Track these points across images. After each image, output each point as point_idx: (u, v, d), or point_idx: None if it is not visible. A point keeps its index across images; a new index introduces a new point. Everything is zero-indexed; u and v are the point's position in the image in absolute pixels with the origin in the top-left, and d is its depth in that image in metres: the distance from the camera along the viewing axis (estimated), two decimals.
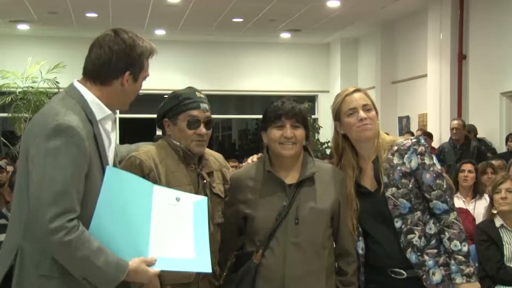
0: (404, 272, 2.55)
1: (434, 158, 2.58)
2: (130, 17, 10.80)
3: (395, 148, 2.59)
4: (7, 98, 11.03)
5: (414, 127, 10.89)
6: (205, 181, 2.58)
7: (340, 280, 2.57)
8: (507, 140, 8.21)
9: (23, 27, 11.79)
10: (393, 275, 2.57)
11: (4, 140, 11.91)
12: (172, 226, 2.22)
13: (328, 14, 10.85)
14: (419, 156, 2.54)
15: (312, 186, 2.58)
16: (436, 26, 9.90)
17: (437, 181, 2.53)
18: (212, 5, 10.21)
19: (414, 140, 2.58)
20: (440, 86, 9.80)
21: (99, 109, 2.16)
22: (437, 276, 2.51)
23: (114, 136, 2.28)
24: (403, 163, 2.56)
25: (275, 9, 10.37)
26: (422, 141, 2.60)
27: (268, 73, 13.50)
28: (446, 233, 2.51)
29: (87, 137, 2.05)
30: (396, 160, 2.57)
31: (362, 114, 2.58)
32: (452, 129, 7.97)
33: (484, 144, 8.69)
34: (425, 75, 10.31)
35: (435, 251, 2.53)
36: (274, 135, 2.56)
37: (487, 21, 9.07)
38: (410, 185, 2.54)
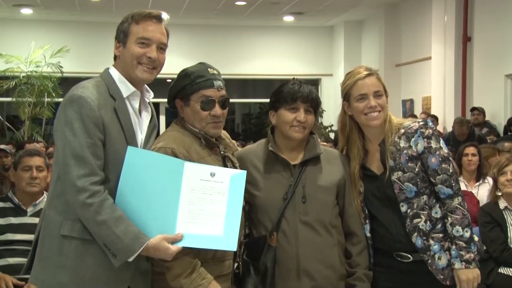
0: (410, 256, 2.54)
1: (442, 141, 2.54)
2: (132, 1, 10.74)
3: (402, 131, 2.55)
4: (11, 83, 11.03)
5: (418, 110, 10.87)
6: (229, 164, 2.50)
7: (347, 262, 2.57)
8: (510, 124, 8.16)
9: (26, 11, 11.77)
10: (399, 258, 2.57)
11: (8, 125, 11.94)
12: (204, 202, 2.26)
13: None
14: (425, 139, 2.50)
15: (317, 165, 2.57)
16: (440, 8, 9.84)
17: (443, 165, 2.49)
18: None
19: (421, 123, 2.55)
20: (444, 69, 9.76)
21: (125, 86, 2.30)
22: (443, 260, 2.50)
23: (147, 117, 2.38)
24: (410, 147, 2.52)
25: None
26: (430, 124, 2.56)
27: (271, 57, 13.47)
28: (449, 218, 2.49)
29: (102, 109, 2.19)
30: (402, 143, 2.53)
31: (372, 102, 2.54)
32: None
33: (489, 127, 8.68)
34: (429, 58, 10.27)
35: (441, 235, 2.52)
36: (288, 117, 2.53)
37: (492, 3, 9.02)
38: (417, 169, 2.51)
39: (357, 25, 13.27)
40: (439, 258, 2.50)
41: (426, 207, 2.52)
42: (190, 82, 2.42)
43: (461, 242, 2.47)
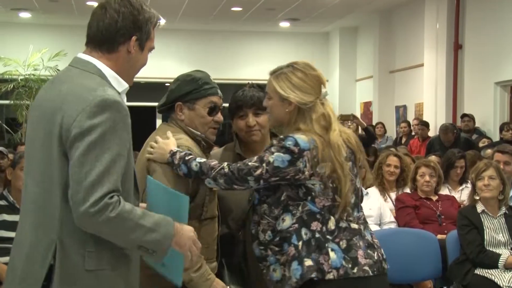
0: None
1: (277, 155, 2.23)
2: None
3: None
4: (9, 86, 11.17)
5: (410, 116, 11.01)
6: None
7: None
8: (501, 129, 8.31)
9: (24, 15, 11.91)
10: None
11: (6, 127, 12.06)
12: None
13: (326, 3, 10.93)
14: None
15: None
16: (432, 16, 9.99)
17: (253, 160, 2.26)
18: None
19: (280, 137, 2.31)
20: (436, 76, 9.91)
21: (118, 83, 1.99)
22: (277, 273, 2.32)
23: None
24: None
25: None
26: (286, 142, 2.25)
27: (267, 62, 13.41)
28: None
29: None
30: None
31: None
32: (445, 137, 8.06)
33: (479, 133, 8.81)
34: (422, 65, 10.41)
35: (277, 248, 2.32)
36: (239, 124, 2.67)
37: (483, 11, 9.17)
38: None
39: (352, 32, 13.41)
40: (274, 270, 2.33)
41: (266, 216, 2.34)
42: (197, 87, 2.50)
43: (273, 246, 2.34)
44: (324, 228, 2.27)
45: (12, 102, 11.30)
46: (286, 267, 2.28)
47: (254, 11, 11.52)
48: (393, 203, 4.92)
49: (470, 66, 9.47)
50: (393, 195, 5.04)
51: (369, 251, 2.31)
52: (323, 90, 2.39)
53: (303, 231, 2.27)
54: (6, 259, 3.48)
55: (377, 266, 2.30)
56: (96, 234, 1.83)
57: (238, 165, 2.26)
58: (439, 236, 4.27)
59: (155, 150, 2.39)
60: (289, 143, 2.24)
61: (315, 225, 2.27)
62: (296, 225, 2.27)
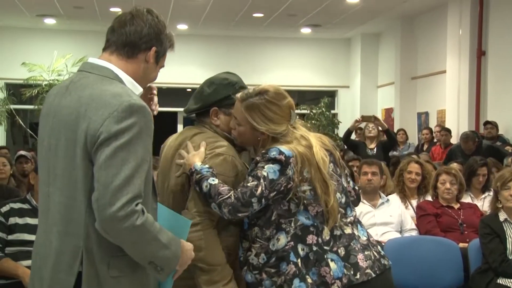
0: None
1: (273, 167, 2.23)
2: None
3: None
4: (34, 91, 11.33)
5: (432, 123, 10.93)
6: None
7: None
8: None
9: (49, 21, 12.09)
10: None
11: (30, 132, 12.23)
12: None
13: (348, 9, 10.92)
14: (254, 164, 2.31)
15: None
16: (455, 22, 9.92)
17: (249, 178, 2.25)
18: (232, 0, 10.39)
19: (262, 152, 2.30)
20: (458, 82, 9.83)
21: (134, 87, 1.99)
22: None
23: None
24: None
25: (295, 4, 10.48)
26: (271, 153, 2.25)
27: (289, 68, 13.61)
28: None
29: None
30: None
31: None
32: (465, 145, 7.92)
33: (503, 141, 8.70)
34: (444, 71, 10.34)
35: (273, 270, 2.26)
36: None
37: (507, 17, 9.08)
38: None
39: (374, 38, 13.37)
40: None
41: (258, 240, 2.29)
42: (234, 92, 2.45)
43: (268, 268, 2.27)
44: (319, 240, 2.24)
45: (36, 107, 11.45)
46: (285, 287, 2.23)
47: (276, 17, 11.54)
48: (414, 211, 4.89)
49: (494, 73, 9.38)
50: (414, 202, 5.01)
51: (366, 252, 2.29)
52: (292, 113, 2.36)
53: (300, 247, 2.24)
54: (29, 262, 3.52)
55: (377, 265, 2.29)
56: (113, 242, 1.83)
57: (239, 189, 2.23)
58: (461, 245, 4.22)
59: (184, 161, 2.38)
60: (273, 153, 2.23)
61: (311, 238, 2.24)
62: (292, 243, 2.24)
